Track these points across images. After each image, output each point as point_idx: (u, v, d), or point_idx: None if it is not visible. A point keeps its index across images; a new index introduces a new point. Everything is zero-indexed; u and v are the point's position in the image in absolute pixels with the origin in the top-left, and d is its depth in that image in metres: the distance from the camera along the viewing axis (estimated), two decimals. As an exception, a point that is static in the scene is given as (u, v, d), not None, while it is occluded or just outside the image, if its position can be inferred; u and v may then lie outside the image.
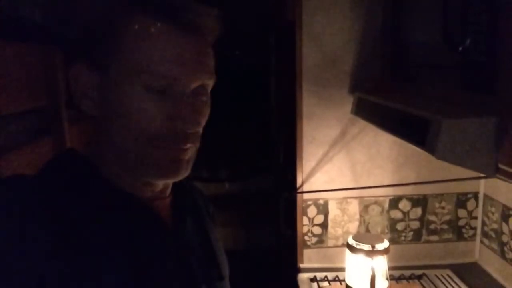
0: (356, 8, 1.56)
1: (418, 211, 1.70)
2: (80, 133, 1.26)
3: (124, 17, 0.61)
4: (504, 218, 1.51)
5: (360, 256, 1.34)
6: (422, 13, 1.25)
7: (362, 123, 1.56)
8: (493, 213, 1.59)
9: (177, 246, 0.70)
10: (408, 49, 1.38)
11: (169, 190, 0.73)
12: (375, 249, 1.32)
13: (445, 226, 1.71)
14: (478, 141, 0.84)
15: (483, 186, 1.66)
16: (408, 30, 1.38)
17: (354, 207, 1.70)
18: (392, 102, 1.16)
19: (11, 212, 0.56)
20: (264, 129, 2.62)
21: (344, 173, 1.67)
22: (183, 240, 0.72)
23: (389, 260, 1.41)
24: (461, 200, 1.69)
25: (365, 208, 1.70)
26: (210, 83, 0.66)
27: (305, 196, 1.69)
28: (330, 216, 1.70)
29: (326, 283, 1.58)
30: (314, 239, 1.72)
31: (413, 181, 1.65)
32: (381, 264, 1.34)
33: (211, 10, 0.64)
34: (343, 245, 1.62)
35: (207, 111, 0.67)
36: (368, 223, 1.71)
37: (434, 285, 1.55)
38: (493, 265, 1.59)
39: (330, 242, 1.72)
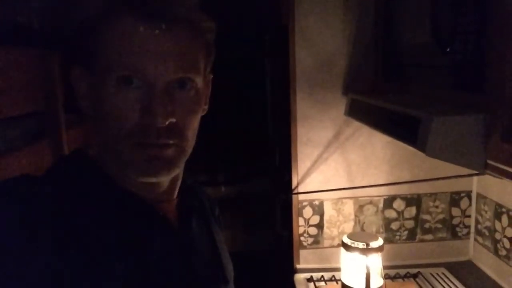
0: (348, 11, 1.59)
1: (413, 210, 1.72)
2: (78, 136, 1.27)
3: (102, 11, 0.61)
4: (497, 216, 1.53)
5: (355, 254, 1.36)
6: (413, 15, 1.28)
7: (356, 124, 1.58)
8: (486, 211, 1.61)
9: (183, 248, 0.70)
10: (399, 50, 1.41)
11: (175, 192, 0.72)
12: (369, 247, 1.34)
13: (439, 225, 1.73)
14: (467, 138, 0.86)
15: (476, 184, 1.69)
16: (400, 32, 1.40)
17: (349, 207, 1.72)
18: (384, 102, 1.18)
19: (18, 211, 0.56)
20: (260, 131, 2.64)
21: (339, 174, 1.69)
22: (188, 242, 0.72)
23: (385, 259, 1.43)
24: (454, 199, 1.71)
25: (360, 208, 1.72)
26: (194, 78, 0.63)
27: (301, 197, 1.70)
28: (326, 217, 1.72)
29: (322, 283, 1.60)
30: (310, 240, 1.73)
31: (407, 180, 1.67)
32: (375, 262, 1.36)
33: (189, 1, 0.63)
34: (338, 245, 1.63)
35: (193, 107, 0.64)
36: (363, 223, 1.73)
37: (429, 283, 1.57)
38: (487, 263, 1.61)
39: (326, 243, 1.73)
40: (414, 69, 1.28)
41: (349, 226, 1.73)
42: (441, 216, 1.73)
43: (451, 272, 1.62)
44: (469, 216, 1.72)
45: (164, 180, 0.66)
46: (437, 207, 1.72)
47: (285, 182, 1.80)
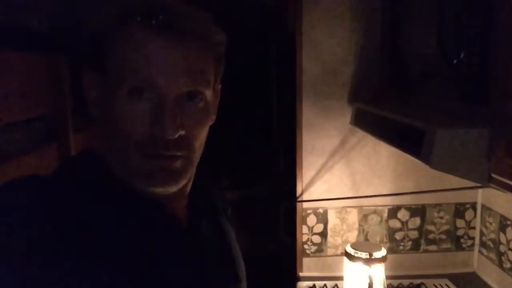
0: (355, 20, 1.59)
1: (417, 220, 1.72)
2: (85, 140, 1.29)
3: (115, 24, 0.61)
4: (502, 228, 1.52)
5: (358, 264, 1.36)
6: (420, 25, 1.29)
7: (361, 133, 1.59)
8: (491, 223, 1.61)
9: (193, 248, 0.70)
10: (406, 60, 1.41)
11: (186, 192, 0.72)
12: (372, 257, 1.33)
13: (443, 236, 1.72)
14: (471, 151, 0.86)
15: (481, 196, 1.68)
16: (406, 42, 1.41)
17: (353, 216, 1.72)
18: (389, 113, 1.18)
19: (26, 211, 0.56)
20: (265, 138, 2.65)
21: (343, 183, 1.69)
22: (199, 242, 0.72)
23: (388, 269, 1.42)
24: (459, 210, 1.70)
25: (364, 217, 1.71)
26: (204, 91, 0.64)
27: (305, 205, 1.71)
28: (330, 225, 1.72)
29: (325, 292, 1.60)
30: (313, 248, 1.73)
31: (411, 190, 1.67)
32: (378, 272, 1.35)
33: (200, 14, 0.64)
34: (342, 254, 1.63)
35: (202, 119, 0.65)
36: (367, 232, 1.72)
37: (432, 294, 1.56)
38: (491, 275, 1.60)
39: (330, 251, 1.73)
40: (420, 79, 1.29)
41: (353, 235, 1.72)
42: (445, 227, 1.72)
43: (455, 284, 1.61)
44: (474, 228, 1.71)
45: (172, 190, 0.66)
46: (441, 218, 1.72)
47: (289, 189, 1.80)
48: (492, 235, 1.59)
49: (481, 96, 0.92)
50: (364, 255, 1.34)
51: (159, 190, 0.64)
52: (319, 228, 1.72)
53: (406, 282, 1.63)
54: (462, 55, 0.99)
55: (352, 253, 1.37)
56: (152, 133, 0.60)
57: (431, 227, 1.72)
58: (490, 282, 1.59)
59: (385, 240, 1.72)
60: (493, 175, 0.85)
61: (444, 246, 1.73)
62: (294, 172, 1.71)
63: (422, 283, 1.62)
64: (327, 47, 1.61)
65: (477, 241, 1.70)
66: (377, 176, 1.69)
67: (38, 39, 1.18)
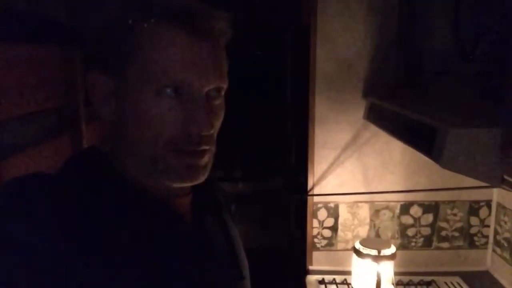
0: (370, 14, 1.57)
1: (430, 217, 1.70)
2: (97, 131, 1.30)
3: (140, 22, 0.61)
4: (517, 227, 1.50)
5: (367, 261, 1.35)
6: (436, 21, 1.25)
7: (374, 128, 1.56)
8: (505, 222, 1.58)
9: (197, 245, 0.70)
10: (422, 56, 1.38)
11: (189, 188, 0.73)
12: (381, 255, 1.32)
13: (456, 234, 1.70)
14: (484, 151, 0.84)
15: (496, 194, 1.65)
16: (422, 38, 1.38)
17: (364, 211, 1.70)
18: (403, 109, 1.16)
19: (30, 210, 0.57)
20: (278, 131, 2.65)
21: (355, 177, 1.68)
22: (202, 239, 0.72)
23: (399, 266, 1.41)
24: (473, 208, 1.68)
25: (376, 212, 1.70)
26: (224, 86, 0.66)
27: (316, 199, 1.70)
28: (340, 220, 1.71)
29: (334, 286, 1.59)
30: (323, 242, 1.73)
31: (424, 187, 1.65)
32: (387, 270, 1.34)
33: (223, 14, 0.65)
34: (352, 248, 1.63)
35: (221, 114, 0.67)
36: (379, 227, 1.71)
37: (443, 292, 1.55)
38: (504, 274, 1.57)
39: (340, 246, 1.73)
40: (436, 77, 1.26)
41: (364, 230, 1.71)
42: (458, 225, 1.70)
43: (466, 282, 1.60)
44: (488, 226, 1.68)
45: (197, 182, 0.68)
46: (455, 215, 1.69)
47: (301, 183, 1.80)
48: (507, 234, 1.56)
49: (496, 94, 0.90)
50: (373, 252, 1.33)
51: (187, 184, 0.67)
52: (329, 222, 1.71)
53: (416, 279, 1.61)
54: (479, 51, 0.96)
55: (361, 250, 1.36)
56: (185, 130, 0.62)
57: (444, 224, 1.70)
58: (503, 282, 1.57)
59: (396, 236, 1.71)
60: (505, 176, 0.83)
61: (457, 243, 1.71)
62: (306, 166, 1.70)
63: (433, 281, 1.61)
64: (342, 41, 1.59)
65: (491, 240, 1.68)
66: (390, 171, 1.67)
67: (52, 29, 1.19)
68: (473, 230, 1.69)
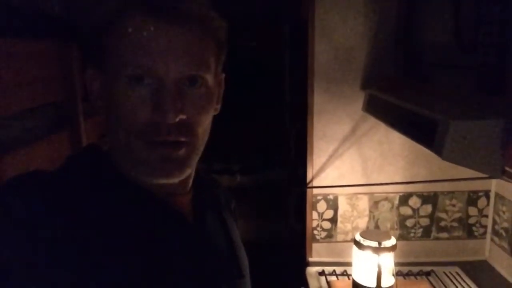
0: (369, 5, 1.56)
1: (428, 208, 1.71)
2: (95, 126, 1.29)
3: (114, 12, 0.61)
4: (515, 217, 1.50)
5: (367, 253, 1.36)
6: (436, 12, 1.25)
7: (373, 120, 1.56)
8: (504, 212, 1.59)
9: (197, 243, 0.70)
10: (421, 48, 1.38)
11: (189, 186, 0.72)
12: (381, 246, 1.33)
13: (455, 224, 1.71)
14: (485, 143, 0.85)
15: (495, 185, 1.65)
16: (422, 29, 1.37)
17: (364, 203, 1.71)
18: (402, 101, 1.16)
19: (32, 207, 0.56)
20: (277, 123, 2.64)
21: (354, 169, 1.68)
22: (203, 236, 0.72)
23: (398, 256, 1.42)
24: (472, 198, 1.69)
25: (375, 204, 1.71)
26: (207, 76, 0.63)
27: (315, 191, 1.70)
28: (340, 211, 1.72)
29: (334, 277, 1.60)
30: (323, 234, 1.74)
31: (423, 178, 1.65)
32: (387, 261, 1.35)
33: None
34: (352, 240, 1.63)
35: (204, 104, 0.64)
36: (378, 219, 1.72)
37: (442, 282, 1.56)
38: (502, 264, 1.59)
39: (339, 237, 1.73)
40: (434, 68, 1.26)
41: (363, 222, 1.72)
42: (457, 215, 1.71)
43: (465, 272, 1.61)
44: (486, 216, 1.69)
45: (176, 181, 0.66)
46: (453, 205, 1.70)
47: (300, 175, 1.80)
48: (505, 224, 1.57)
49: (497, 86, 0.90)
50: (373, 244, 1.34)
51: (163, 181, 0.64)
52: (329, 214, 1.72)
53: (416, 269, 1.62)
54: (479, 43, 0.96)
55: (361, 242, 1.37)
56: (153, 119, 0.60)
57: (443, 215, 1.71)
58: (501, 271, 1.58)
59: (395, 227, 1.72)
60: (506, 168, 0.84)
61: (456, 234, 1.72)
62: (305, 158, 1.70)
63: (432, 271, 1.62)
64: (340, 32, 1.58)
65: (489, 230, 1.69)
66: (389, 163, 1.67)
67: (50, 24, 1.18)
68: (472, 220, 1.70)
